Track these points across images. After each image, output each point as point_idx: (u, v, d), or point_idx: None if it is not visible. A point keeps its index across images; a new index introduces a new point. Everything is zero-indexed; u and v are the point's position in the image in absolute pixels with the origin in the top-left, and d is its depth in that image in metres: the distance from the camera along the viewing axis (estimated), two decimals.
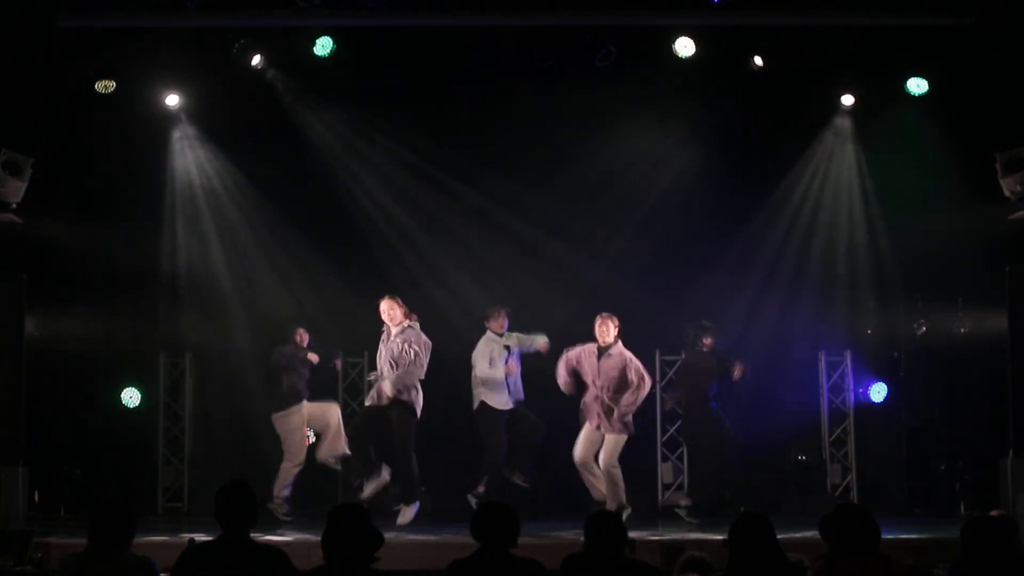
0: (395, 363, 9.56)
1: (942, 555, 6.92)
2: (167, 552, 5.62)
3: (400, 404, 9.54)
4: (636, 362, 9.60)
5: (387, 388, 9.51)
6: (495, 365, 9.95)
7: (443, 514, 10.42)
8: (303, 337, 10.25)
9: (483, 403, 9.96)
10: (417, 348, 9.55)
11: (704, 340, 10.61)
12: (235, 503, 5.02)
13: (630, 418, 9.57)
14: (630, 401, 9.50)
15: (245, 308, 11.48)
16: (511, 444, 9.97)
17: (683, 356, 11.01)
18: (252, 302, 11.49)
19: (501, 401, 9.95)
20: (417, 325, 9.70)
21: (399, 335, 9.59)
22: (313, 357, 10.22)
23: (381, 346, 9.72)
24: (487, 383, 9.94)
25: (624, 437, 9.59)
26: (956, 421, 11.23)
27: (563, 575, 5.11)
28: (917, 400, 11.49)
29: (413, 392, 9.58)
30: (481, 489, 9.77)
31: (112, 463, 11.24)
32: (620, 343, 9.63)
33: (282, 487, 10.01)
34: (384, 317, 9.66)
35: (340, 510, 4.98)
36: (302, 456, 10.08)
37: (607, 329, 9.63)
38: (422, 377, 9.62)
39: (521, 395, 10.12)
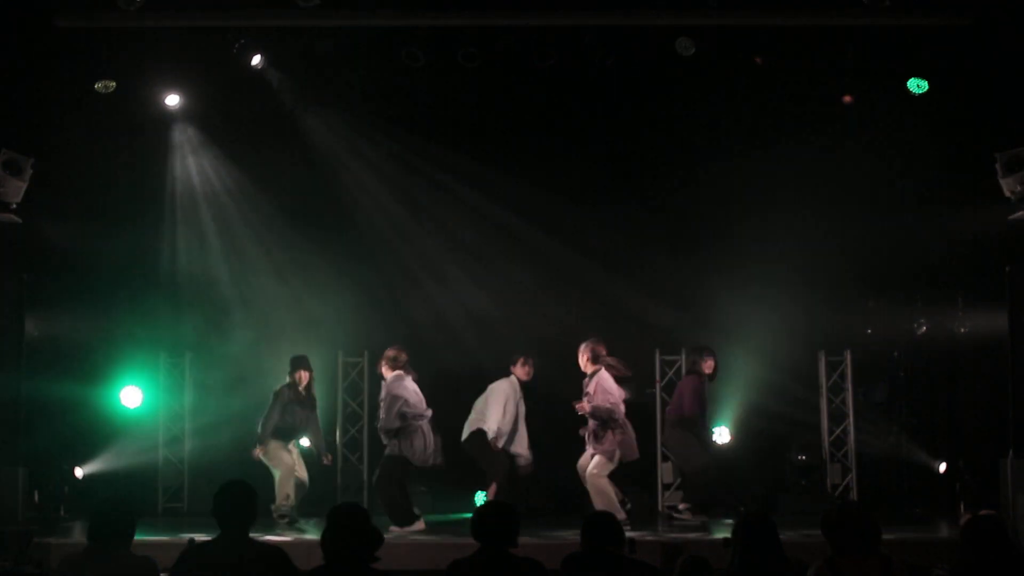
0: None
1: (942, 555, 6.92)
2: (167, 552, 5.62)
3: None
4: (599, 387, 9.74)
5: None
6: (508, 413, 10.04)
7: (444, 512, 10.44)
8: (303, 377, 10.18)
9: (480, 430, 10.03)
10: (385, 401, 9.67)
11: (707, 362, 10.36)
12: (234, 503, 5.03)
13: (611, 447, 9.70)
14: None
15: (245, 308, 11.47)
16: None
17: (692, 382, 10.34)
18: (252, 302, 11.49)
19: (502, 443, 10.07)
20: (398, 376, 9.73)
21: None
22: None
23: None
24: (497, 426, 10.01)
25: (603, 461, 9.79)
26: (956, 421, 11.23)
27: (562, 575, 5.11)
28: (917, 400, 11.48)
29: (390, 437, 9.67)
30: None
31: (112, 463, 11.24)
32: (601, 370, 9.81)
33: (285, 494, 9.93)
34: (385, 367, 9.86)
35: (340, 510, 4.98)
36: (291, 467, 10.04)
37: (582, 359, 9.92)
38: (395, 425, 9.61)
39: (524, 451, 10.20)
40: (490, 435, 9.99)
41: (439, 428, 9.94)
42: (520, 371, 10.19)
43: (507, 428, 10.06)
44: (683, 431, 10.23)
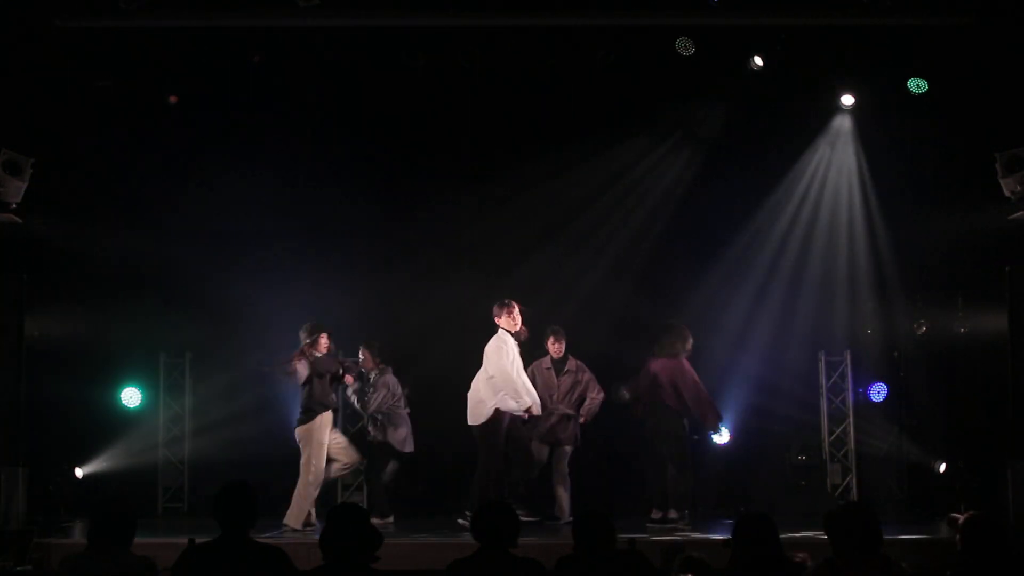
0: None
1: (942, 555, 6.92)
2: (167, 552, 5.62)
3: None
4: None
5: None
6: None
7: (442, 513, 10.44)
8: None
9: (497, 410, 9.64)
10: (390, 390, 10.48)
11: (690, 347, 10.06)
12: (235, 504, 5.03)
13: None
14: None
15: (245, 308, 11.45)
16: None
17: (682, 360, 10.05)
18: (252, 302, 11.46)
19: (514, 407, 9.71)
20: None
21: None
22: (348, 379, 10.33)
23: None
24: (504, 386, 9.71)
25: None
26: (956, 421, 11.22)
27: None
28: (917, 400, 11.48)
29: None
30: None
31: (112, 463, 11.24)
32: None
33: (305, 513, 9.52)
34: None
35: (340, 510, 4.99)
36: (323, 473, 9.71)
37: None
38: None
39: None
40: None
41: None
42: (502, 322, 9.74)
43: (520, 388, 9.71)
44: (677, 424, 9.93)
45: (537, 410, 9.74)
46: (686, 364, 9.98)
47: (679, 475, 9.82)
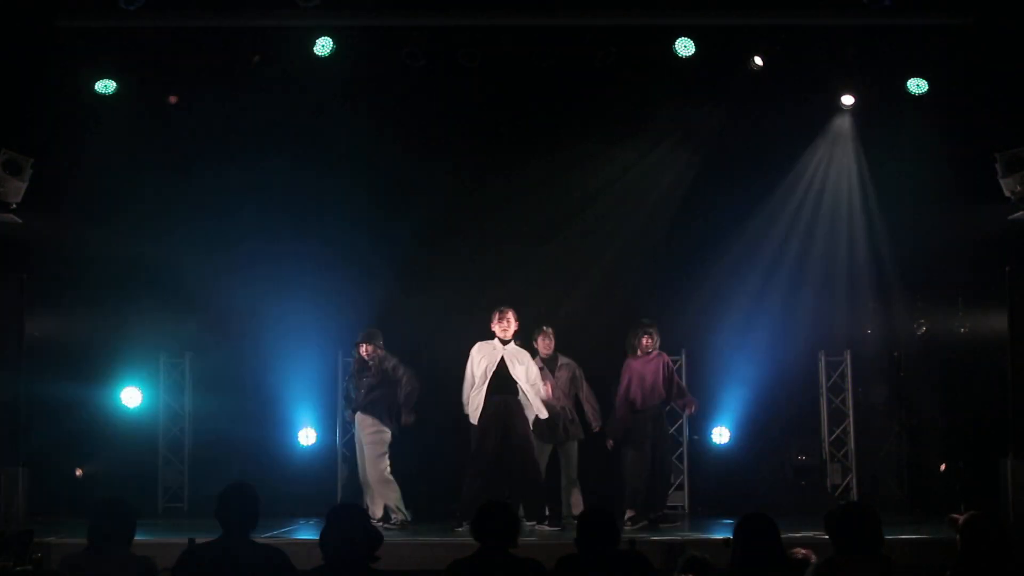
0: None
1: (942, 555, 6.91)
2: (167, 552, 5.62)
3: None
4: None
5: None
6: (466, 381, 9.72)
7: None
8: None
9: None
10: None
11: (643, 341, 10.00)
12: (237, 504, 5.03)
13: None
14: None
15: (245, 307, 11.45)
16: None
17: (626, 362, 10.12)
18: (252, 301, 11.46)
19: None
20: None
21: None
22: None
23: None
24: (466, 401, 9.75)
25: None
26: (956, 421, 11.22)
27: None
28: (917, 400, 11.48)
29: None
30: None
31: (112, 463, 11.24)
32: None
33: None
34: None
35: (340, 510, 4.99)
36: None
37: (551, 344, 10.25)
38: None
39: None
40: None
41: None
42: (495, 327, 9.67)
43: (466, 397, 9.71)
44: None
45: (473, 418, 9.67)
46: (628, 362, 10.04)
47: (627, 473, 9.93)
